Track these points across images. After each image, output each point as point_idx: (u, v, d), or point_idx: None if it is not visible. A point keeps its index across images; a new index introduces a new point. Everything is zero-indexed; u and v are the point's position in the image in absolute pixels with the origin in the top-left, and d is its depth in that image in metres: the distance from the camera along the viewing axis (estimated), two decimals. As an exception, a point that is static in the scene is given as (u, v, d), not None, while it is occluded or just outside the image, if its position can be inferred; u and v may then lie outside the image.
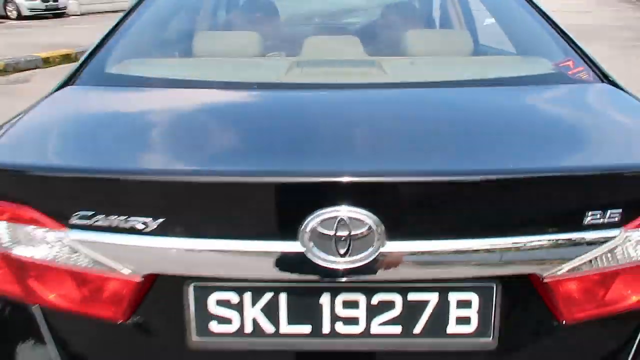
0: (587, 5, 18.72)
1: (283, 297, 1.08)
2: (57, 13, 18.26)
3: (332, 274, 1.02)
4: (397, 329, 1.09)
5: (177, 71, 1.73)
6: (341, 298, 1.07)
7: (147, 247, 1.04)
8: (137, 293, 1.08)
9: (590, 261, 1.06)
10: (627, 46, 10.45)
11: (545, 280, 1.06)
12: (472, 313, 1.08)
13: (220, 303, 1.08)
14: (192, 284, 1.08)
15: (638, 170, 1.08)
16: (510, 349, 1.11)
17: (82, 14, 18.77)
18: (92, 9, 19.19)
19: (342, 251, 1.01)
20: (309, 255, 1.01)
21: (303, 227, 1.00)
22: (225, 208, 1.05)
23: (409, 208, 1.05)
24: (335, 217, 1.00)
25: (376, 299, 1.07)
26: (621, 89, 1.50)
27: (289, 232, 1.01)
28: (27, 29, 14.32)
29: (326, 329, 1.09)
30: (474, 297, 1.08)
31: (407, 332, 1.09)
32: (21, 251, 1.10)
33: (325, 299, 1.08)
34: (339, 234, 1.00)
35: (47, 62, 9.16)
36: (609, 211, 1.04)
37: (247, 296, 1.08)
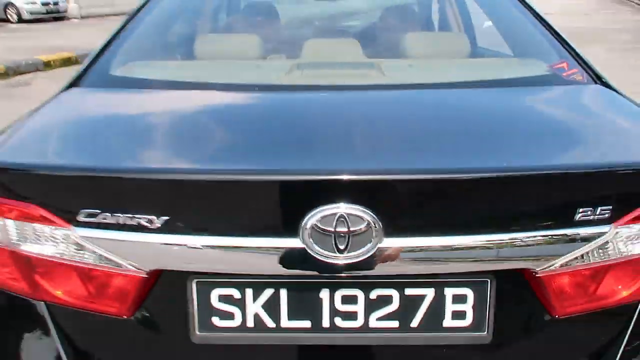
0: (585, 8, 18.77)
1: (284, 293, 1.11)
2: (58, 16, 18.31)
3: (331, 269, 1.06)
4: (394, 323, 1.12)
5: (181, 73, 1.76)
6: (340, 293, 1.10)
7: (151, 244, 1.07)
8: (142, 289, 1.11)
9: (582, 256, 1.09)
10: (626, 49, 10.48)
11: (538, 275, 1.09)
12: (468, 307, 1.11)
13: (222, 298, 1.11)
14: (195, 280, 1.11)
15: (627, 169, 1.11)
16: (505, 343, 1.14)
17: (82, 18, 18.82)
18: (93, 12, 19.23)
19: (341, 247, 1.04)
20: (309, 251, 1.04)
21: (303, 223, 1.03)
22: (228, 206, 1.08)
23: (406, 205, 1.08)
24: (335, 214, 1.03)
25: (374, 293, 1.10)
26: (614, 89, 1.53)
27: (290, 228, 1.04)
28: (27, 32, 14.36)
29: (326, 323, 1.12)
30: (469, 292, 1.11)
31: (404, 326, 1.12)
32: (29, 248, 1.13)
33: (324, 294, 1.11)
34: (338, 230, 1.03)
35: (48, 65, 9.21)
36: (599, 208, 1.07)
37: (249, 292, 1.11)
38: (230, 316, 1.12)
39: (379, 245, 1.05)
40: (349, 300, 1.11)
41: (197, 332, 1.13)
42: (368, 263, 1.05)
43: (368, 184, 1.06)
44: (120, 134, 1.30)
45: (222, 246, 1.07)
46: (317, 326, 1.12)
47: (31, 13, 17.46)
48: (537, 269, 1.09)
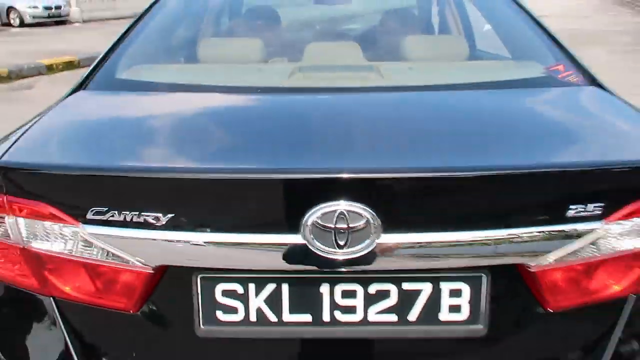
0: (586, 10, 18.80)
1: (285, 288, 1.14)
2: (60, 20, 18.37)
3: (331, 264, 1.09)
4: (393, 317, 1.15)
5: (185, 76, 1.80)
6: (340, 288, 1.14)
7: (158, 241, 1.11)
8: (148, 284, 1.14)
9: (574, 252, 1.13)
10: (627, 51, 10.51)
11: (531, 270, 1.13)
12: (463, 302, 1.15)
13: (226, 293, 1.15)
14: (200, 275, 1.14)
15: (618, 167, 1.15)
16: (500, 336, 1.17)
17: (84, 21, 18.89)
18: (94, 16, 19.31)
19: (341, 243, 1.07)
20: (310, 247, 1.08)
21: (305, 220, 1.07)
22: (232, 204, 1.12)
23: (404, 203, 1.12)
24: (335, 211, 1.06)
25: (373, 288, 1.14)
26: (608, 91, 1.57)
27: (292, 225, 1.08)
28: (29, 36, 14.42)
29: (326, 317, 1.15)
30: (464, 287, 1.14)
31: (402, 319, 1.15)
32: (39, 245, 1.16)
33: (325, 289, 1.14)
34: (338, 227, 1.07)
35: (50, 69, 9.26)
36: (591, 205, 1.11)
37: (252, 287, 1.14)
38: (233, 310, 1.15)
39: (377, 242, 1.08)
40: (348, 294, 1.14)
41: (202, 326, 1.16)
42: (367, 258, 1.09)
43: (367, 182, 1.10)
44: (126, 135, 1.34)
45: (226, 242, 1.10)
46: (317, 320, 1.15)
47: (33, 17, 17.52)
48: (531, 264, 1.12)
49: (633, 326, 1.19)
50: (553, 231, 1.11)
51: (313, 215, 1.07)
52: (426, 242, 1.10)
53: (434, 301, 1.15)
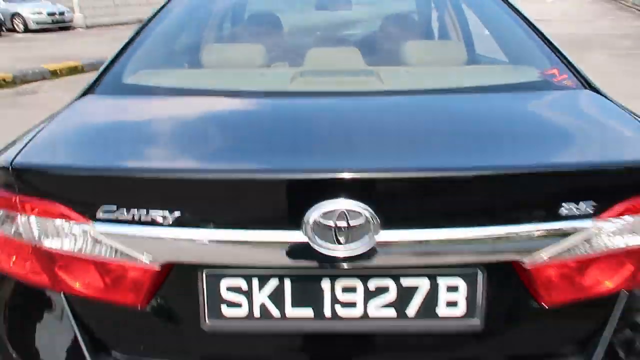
0: (587, 15, 18.86)
1: (288, 283, 1.18)
2: (63, 26, 18.50)
3: (332, 260, 1.13)
4: (392, 312, 1.19)
5: (190, 81, 1.85)
6: (341, 284, 1.18)
7: (165, 238, 1.15)
8: (155, 280, 1.18)
9: (567, 249, 1.16)
10: (630, 55, 10.55)
11: (526, 267, 1.16)
12: (460, 297, 1.18)
13: (230, 289, 1.19)
14: (205, 272, 1.18)
15: (609, 167, 1.19)
16: (495, 330, 1.21)
17: (87, 27, 19.01)
18: (97, 22, 19.43)
19: (341, 240, 1.11)
20: (312, 244, 1.12)
21: (306, 218, 1.11)
22: (236, 202, 1.16)
23: (402, 201, 1.16)
24: (335, 210, 1.10)
25: (372, 284, 1.18)
26: (602, 94, 1.60)
27: (294, 223, 1.12)
28: (34, 41, 14.53)
29: (327, 312, 1.19)
30: (461, 283, 1.18)
31: (401, 314, 1.19)
32: (50, 243, 1.21)
33: (326, 285, 1.18)
34: (338, 224, 1.11)
35: (54, 74, 9.33)
36: (583, 204, 1.15)
37: (255, 283, 1.18)
38: (238, 306, 1.19)
39: (376, 239, 1.12)
40: (348, 290, 1.18)
41: (207, 321, 1.20)
42: (366, 255, 1.12)
43: (366, 182, 1.14)
44: (134, 137, 1.39)
45: (231, 240, 1.14)
46: (319, 315, 1.19)
47: (37, 23, 17.66)
48: (525, 261, 1.16)
49: (625, 321, 1.23)
50: (546, 229, 1.14)
51: (314, 214, 1.10)
52: (423, 240, 1.14)
53: (432, 297, 1.18)
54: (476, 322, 1.19)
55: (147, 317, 1.21)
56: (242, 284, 1.19)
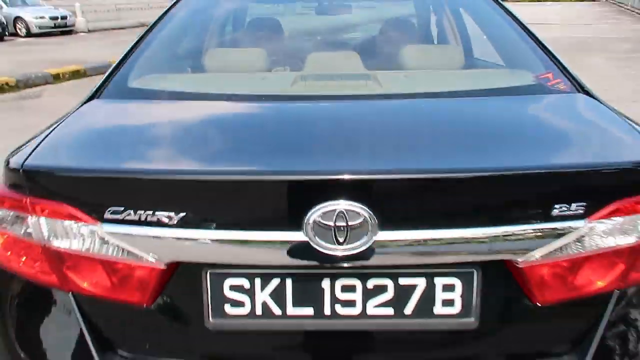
0: (587, 18, 18.90)
1: (289, 283, 1.22)
2: (65, 30, 18.56)
3: (331, 260, 1.17)
4: (390, 311, 1.22)
5: (193, 85, 1.88)
6: (340, 283, 1.21)
7: (170, 238, 1.18)
8: (161, 280, 1.22)
9: (560, 249, 1.20)
10: (629, 58, 10.58)
11: (519, 266, 1.20)
12: (456, 296, 1.22)
13: (233, 288, 1.22)
14: (209, 271, 1.22)
15: (601, 169, 1.22)
16: (490, 329, 1.24)
17: (89, 31, 19.08)
18: (99, 26, 19.52)
19: (340, 240, 1.15)
20: (312, 244, 1.15)
21: (306, 219, 1.14)
22: (239, 203, 1.19)
23: (399, 202, 1.19)
24: (335, 210, 1.14)
25: (371, 283, 1.21)
26: (594, 98, 1.64)
27: (295, 223, 1.15)
28: (36, 45, 14.59)
29: (327, 310, 1.22)
30: (457, 282, 1.21)
31: (399, 313, 1.22)
32: (59, 244, 1.24)
33: (326, 284, 1.21)
34: (337, 225, 1.14)
35: (57, 78, 9.37)
36: (575, 205, 1.18)
37: (257, 282, 1.22)
38: (241, 304, 1.23)
39: (375, 239, 1.15)
40: (348, 289, 1.21)
41: (211, 319, 1.23)
42: (365, 255, 1.16)
43: (365, 183, 1.17)
44: (140, 140, 1.42)
45: (234, 240, 1.18)
46: (319, 313, 1.22)
47: (40, 27, 17.72)
48: (519, 260, 1.19)
49: (617, 320, 1.26)
50: (539, 229, 1.18)
51: (314, 214, 1.14)
52: (421, 240, 1.17)
53: (429, 295, 1.22)
54: (471, 320, 1.23)
55: (153, 315, 1.25)
56: (245, 283, 1.22)
